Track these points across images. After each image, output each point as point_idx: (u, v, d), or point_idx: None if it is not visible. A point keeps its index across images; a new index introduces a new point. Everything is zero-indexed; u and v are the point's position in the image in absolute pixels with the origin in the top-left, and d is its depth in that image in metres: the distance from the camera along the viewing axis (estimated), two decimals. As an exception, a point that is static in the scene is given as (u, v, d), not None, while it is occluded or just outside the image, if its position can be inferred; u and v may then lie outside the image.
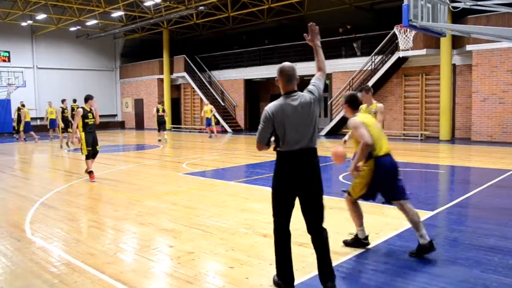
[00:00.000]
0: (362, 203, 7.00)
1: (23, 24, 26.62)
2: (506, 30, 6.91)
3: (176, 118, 30.05)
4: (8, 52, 27.04)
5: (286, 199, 3.61)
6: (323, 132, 21.24)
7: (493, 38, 9.24)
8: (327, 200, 7.54)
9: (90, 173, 9.65)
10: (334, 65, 21.60)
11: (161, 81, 29.72)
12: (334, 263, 4.34)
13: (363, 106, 6.23)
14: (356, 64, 20.58)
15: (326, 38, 22.08)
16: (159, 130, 19.60)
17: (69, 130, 16.69)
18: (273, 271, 4.18)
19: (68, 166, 13.26)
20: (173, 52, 28.84)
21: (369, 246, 4.85)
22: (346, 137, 6.19)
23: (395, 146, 16.22)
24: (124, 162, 13.32)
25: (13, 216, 6.71)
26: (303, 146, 3.48)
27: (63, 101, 18.10)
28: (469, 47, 16.85)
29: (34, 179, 10.46)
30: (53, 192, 8.41)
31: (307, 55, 22.76)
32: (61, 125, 17.62)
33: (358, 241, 4.83)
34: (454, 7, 7.06)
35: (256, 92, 27.24)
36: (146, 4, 23.67)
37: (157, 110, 19.46)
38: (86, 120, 9.50)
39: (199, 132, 26.53)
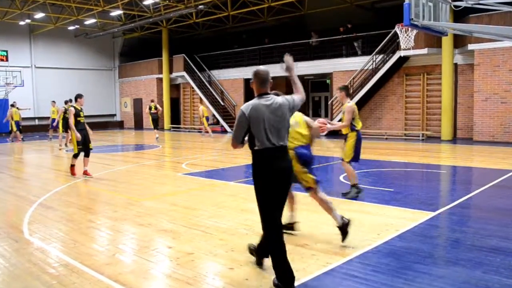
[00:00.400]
0: (362, 204, 7.02)
1: (21, 23, 26.60)
2: (508, 29, 6.91)
3: (176, 118, 30.05)
4: (6, 52, 27.05)
5: (273, 195, 3.84)
6: (324, 132, 21.20)
7: (495, 37, 9.24)
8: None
9: (72, 166, 10.17)
10: (335, 65, 21.59)
11: (160, 80, 29.71)
12: (335, 264, 4.37)
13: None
14: (357, 63, 20.58)
15: (327, 38, 22.12)
16: (154, 128, 20.50)
17: (69, 130, 16.46)
18: (273, 271, 4.19)
19: (66, 166, 13.26)
20: (172, 51, 28.83)
21: (371, 248, 4.84)
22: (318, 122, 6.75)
23: (396, 146, 16.22)
24: (123, 162, 13.32)
25: (11, 217, 6.71)
26: (276, 144, 3.76)
27: (66, 102, 18.14)
28: (471, 46, 16.85)
29: (32, 180, 10.45)
30: (51, 193, 8.41)
31: (307, 54, 22.78)
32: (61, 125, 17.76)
33: (285, 226, 5.19)
34: (455, 6, 7.06)
35: (256, 91, 27.23)
36: (145, 3, 23.66)
37: (150, 108, 20.47)
38: (78, 119, 9.80)
39: (199, 132, 26.54)
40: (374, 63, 19.56)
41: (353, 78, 20.38)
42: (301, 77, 25.10)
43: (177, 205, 7.18)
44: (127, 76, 32.47)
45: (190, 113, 29.55)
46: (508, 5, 6.90)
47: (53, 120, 19.50)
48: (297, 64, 22.81)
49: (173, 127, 29.07)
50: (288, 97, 4.02)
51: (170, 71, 28.93)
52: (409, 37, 12.40)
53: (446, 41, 17.27)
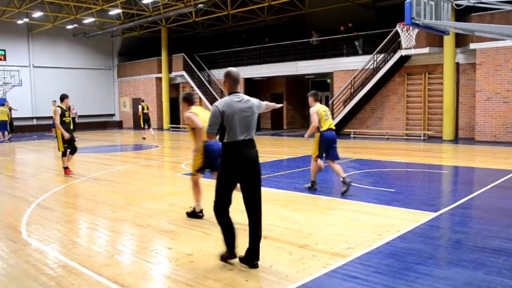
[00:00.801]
0: (363, 204, 7.02)
1: (19, 22, 26.60)
2: (510, 28, 6.91)
3: (175, 118, 30.05)
4: (4, 51, 27.06)
5: (231, 184, 4.36)
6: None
7: (497, 36, 9.22)
8: (328, 201, 7.57)
9: (65, 168, 10.41)
10: (335, 64, 21.59)
11: (159, 80, 29.72)
12: (336, 265, 4.37)
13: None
14: (357, 62, 20.57)
15: (327, 37, 22.11)
16: (143, 128, 21.18)
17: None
18: (274, 273, 4.19)
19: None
20: (172, 51, 28.84)
21: (372, 249, 4.84)
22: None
23: (397, 146, 16.22)
24: (121, 163, 13.32)
25: (9, 218, 6.70)
26: (245, 138, 4.30)
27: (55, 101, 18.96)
28: (472, 46, 16.85)
29: (30, 180, 10.45)
30: (49, 193, 8.41)
31: (307, 53, 22.78)
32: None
33: (195, 214, 6.32)
34: (457, 5, 7.06)
35: (256, 91, 27.20)
36: (144, 1, 23.66)
37: (142, 108, 21.23)
38: (63, 118, 10.07)
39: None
40: (375, 63, 19.56)
41: (354, 78, 20.38)
42: (302, 77, 25.13)
43: (177, 205, 7.18)
44: (126, 75, 32.47)
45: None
46: (510, 4, 6.90)
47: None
48: (297, 64, 22.85)
49: (172, 127, 29.07)
50: (256, 100, 4.54)
51: (169, 70, 28.93)
52: (411, 36, 12.37)
53: (448, 40, 17.27)
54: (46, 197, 8.07)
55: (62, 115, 10.03)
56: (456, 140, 17.71)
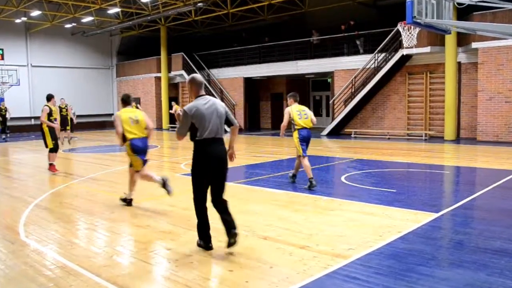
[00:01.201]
0: (364, 205, 7.02)
1: (17, 21, 26.60)
2: (512, 27, 6.91)
3: (174, 118, 30.02)
4: (2, 50, 27.02)
5: (204, 179, 4.84)
6: (325, 132, 21.24)
7: (499, 36, 9.22)
8: (329, 201, 7.57)
9: (51, 165, 10.82)
10: (336, 63, 21.59)
11: (158, 79, 29.72)
12: (337, 266, 4.37)
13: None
14: (358, 62, 20.58)
15: (328, 36, 22.12)
16: None
17: (67, 128, 18.98)
18: (274, 274, 4.20)
19: (63, 167, 13.26)
20: (171, 50, 28.84)
21: (373, 250, 4.84)
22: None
23: (399, 146, 16.22)
24: (120, 163, 13.32)
25: (6, 218, 6.70)
26: (214, 136, 4.75)
27: (61, 100, 19.16)
28: (474, 45, 16.85)
29: (28, 180, 10.45)
30: (47, 194, 8.41)
31: (308, 53, 22.79)
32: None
33: (125, 200, 7.26)
34: (459, 4, 7.06)
35: (256, 90, 27.25)
36: (143, 0, 23.67)
37: None
38: (50, 118, 10.69)
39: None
40: (376, 62, 19.57)
41: (355, 77, 20.39)
42: (302, 76, 25.14)
43: (176, 206, 7.18)
44: (124, 75, 32.47)
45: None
46: (513, 2, 6.90)
47: (55, 120, 19.73)
48: (298, 63, 22.86)
49: (171, 127, 29.07)
50: (223, 106, 4.97)
51: (169, 69, 28.94)
52: (412, 35, 12.37)
53: (450, 39, 17.27)
54: (44, 197, 8.07)
55: (50, 114, 10.67)
56: (457, 140, 17.71)
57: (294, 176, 9.05)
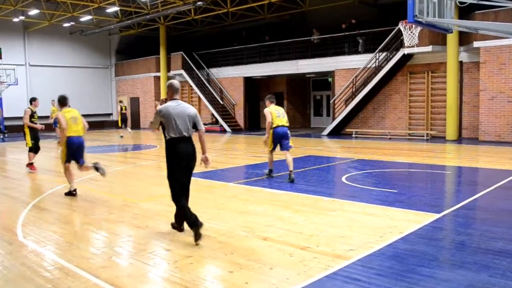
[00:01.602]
0: (365, 205, 7.03)
1: (15, 20, 26.61)
2: (514, 26, 6.91)
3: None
4: (0, 49, 27.01)
5: (181, 172, 5.41)
6: (325, 132, 21.25)
7: (501, 35, 9.23)
8: (330, 202, 7.56)
9: (30, 164, 11.35)
10: (337, 62, 21.59)
11: (157, 79, 29.72)
12: (337, 267, 4.38)
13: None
14: (359, 61, 20.58)
15: (329, 35, 22.11)
16: (120, 127, 22.89)
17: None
18: (274, 275, 4.20)
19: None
20: (170, 49, 28.84)
21: (374, 251, 4.85)
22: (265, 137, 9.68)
23: (400, 146, 16.23)
24: (119, 163, 13.32)
25: (4, 219, 6.70)
26: (182, 135, 5.33)
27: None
28: (476, 44, 16.85)
29: (26, 180, 10.45)
30: (46, 194, 8.41)
31: (308, 52, 22.78)
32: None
33: (70, 193, 8.07)
34: (461, 2, 7.06)
35: (256, 90, 27.23)
36: (142, -1, 23.68)
37: (121, 108, 22.81)
38: (32, 119, 11.32)
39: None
40: (377, 61, 19.57)
41: (356, 76, 20.39)
42: (302, 75, 25.14)
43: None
44: (123, 74, 32.48)
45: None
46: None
47: (55, 119, 20.01)
48: (298, 62, 22.86)
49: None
50: (194, 111, 5.57)
51: (168, 69, 28.94)
52: (413, 34, 12.36)
53: (451, 39, 17.27)
54: (42, 198, 8.07)
55: (32, 116, 11.32)
56: (459, 140, 17.71)
57: (270, 171, 9.82)
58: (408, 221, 5.99)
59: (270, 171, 9.81)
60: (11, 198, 8.26)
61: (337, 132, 21.31)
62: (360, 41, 21.09)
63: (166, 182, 10.09)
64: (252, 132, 23.62)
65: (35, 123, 11.40)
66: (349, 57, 21.27)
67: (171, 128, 5.32)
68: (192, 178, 10.10)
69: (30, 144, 11.36)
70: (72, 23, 27.84)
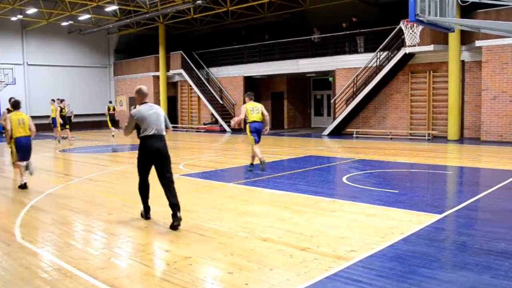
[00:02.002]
0: (366, 206, 7.03)
1: (13, 18, 26.60)
2: (517, 25, 6.91)
3: (173, 117, 30.06)
4: (-3, 48, 27.03)
5: (147, 165, 6.27)
6: (326, 132, 21.24)
7: (503, 34, 9.23)
8: (330, 202, 7.57)
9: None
10: (338, 62, 21.59)
11: (156, 78, 29.72)
12: (338, 268, 4.37)
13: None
14: (360, 60, 20.57)
15: (329, 34, 22.12)
16: (110, 127, 23.12)
17: (67, 127, 20.06)
18: (274, 276, 4.22)
19: (60, 167, 13.27)
20: (170, 48, 28.83)
21: (375, 252, 4.84)
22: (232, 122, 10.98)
23: (401, 146, 16.23)
24: (118, 163, 13.33)
25: (2, 220, 6.70)
26: (155, 133, 6.07)
27: (61, 100, 20.56)
28: (478, 43, 16.85)
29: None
30: (44, 195, 8.41)
31: (308, 51, 22.78)
32: (60, 121, 19.79)
33: (22, 186, 8.92)
34: (462, 1, 7.06)
35: (256, 89, 27.21)
36: (141, -2, 23.66)
37: (108, 109, 23.44)
38: None
39: (197, 131, 26.55)
40: (378, 60, 19.56)
41: (357, 76, 20.39)
42: (303, 75, 25.14)
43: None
44: (122, 73, 32.47)
45: (188, 112, 29.57)
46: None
47: (53, 119, 20.38)
48: (298, 61, 22.86)
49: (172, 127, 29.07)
50: (163, 112, 6.36)
51: (167, 68, 28.93)
52: (415, 33, 12.36)
53: (453, 38, 17.27)
54: (40, 198, 8.07)
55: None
56: (461, 140, 17.71)
57: (251, 165, 10.67)
58: (409, 222, 5.99)
59: (252, 165, 10.70)
60: (9, 199, 8.26)
61: (338, 132, 21.31)
62: (359, 41, 21.10)
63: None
64: (252, 132, 23.61)
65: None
66: (350, 56, 21.26)
67: (147, 128, 6.06)
68: (192, 178, 10.12)
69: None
70: (70, 22, 27.83)
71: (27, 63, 29.14)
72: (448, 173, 10.55)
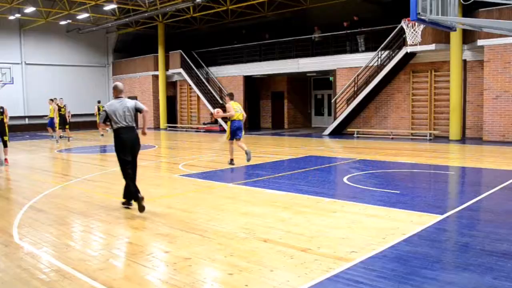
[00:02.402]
0: (367, 206, 7.03)
1: (11, 17, 26.60)
2: (519, 24, 6.91)
3: (172, 117, 30.07)
4: (-5, 47, 27.05)
5: (125, 154, 6.94)
6: (327, 132, 21.24)
7: (505, 33, 9.22)
8: (331, 203, 7.57)
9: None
10: (338, 61, 21.58)
11: (156, 77, 29.72)
12: (339, 269, 4.38)
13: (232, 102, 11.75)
14: (361, 60, 20.57)
15: (330, 33, 22.12)
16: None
17: (67, 127, 20.37)
18: (275, 277, 4.22)
19: (59, 167, 13.27)
20: (169, 47, 28.83)
21: (376, 253, 4.85)
22: (215, 111, 12.89)
23: (403, 146, 16.23)
24: (117, 164, 13.31)
25: (0, 220, 6.70)
26: (126, 125, 6.89)
27: (52, 99, 20.78)
28: (480, 42, 16.85)
29: (22, 181, 10.45)
30: (42, 195, 8.41)
31: (309, 50, 22.78)
32: (57, 121, 20.11)
33: None
34: (464, 0, 7.05)
35: (256, 89, 27.25)
36: (140, -4, 23.65)
37: (98, 109, 23.37)
38: None
39: (196, 131, 26.54)
40: (379, 60, 19.57)
41: (358, 75, 20.39)
42: (303, 74, 25.14)
43: (174, 208, 7.18)
44: (121, 73, 32.46)
45: (187, 112, 29.57)
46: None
47: (51, 119, 20.47)
48: (299, 61, 22.85)
49: (169, 127, 29.08)
50: (132, 102, 7.07)
51: (166, 68, 28.94)
52: (416, 32, 12.37)
53: (455, 37, 17.27)
54: (38, 199, 8.07)
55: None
56: (463, 140, 17.71)
57: (232, 160, 11.64)
58: (411, 223, 5.99)
59: (232, 160, 11.66)
60: (6, 199, 8.26)
61: (339, 132, 21.31)
62: (360, 40, 21.09)
63: (165, 183, 10.15)
64: (252, 132, 23.63)
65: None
66: (350, 55, 21.26)
67: (116, 121, 6.84)
68: (191, 179, 10.15)
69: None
70: (69, 21, 27.82)
71: (25, 62, 29.14)
72: (450, 173, 10.55)
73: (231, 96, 11.90)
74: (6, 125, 12.87)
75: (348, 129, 21.22)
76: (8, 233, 5.91)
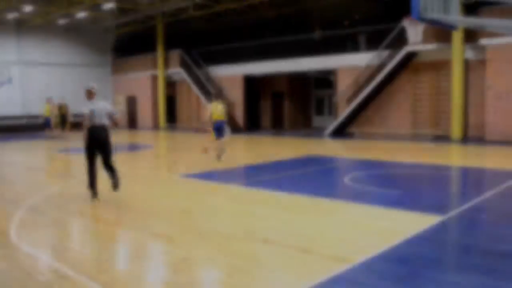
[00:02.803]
0: (368, 207, 7.03)
1: (9, 16, 26.58)
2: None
3: (171, 117, 30.05)
4: (-7, 46, 27.03)
5: (92, 151, 7.71)
6: (328, 132, 21.24)
7: (507, 32, 9.23)
8: (332, 203, 7.58)
9: None
10: (340, 60, 21.57)
11: (155, 77, 29.71)
12: (340, 270, 4.38)
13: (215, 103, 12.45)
14: (362, 59, 20.57)
15: (331, 32, 22.11)
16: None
17: (66, 125, 20.82)
18: (274, 278, 4.22)
19: (58, 168, 13.28)
20: (168, 46, 28.82)
21: (377, 254, 4.85)
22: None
23: (404, 146, 16.23)
24: (116, 164, 13.31)
25: (-2, 221, 6.70)
26: (98, 124, 7.59)
27: (48, 99, 21.17)
28: (482, 41, 16.85)
29: (20, 182, 10.46)
30: (41, 196, 8.41)
31: (310, 49, 22.78)
32: (55, 120, 20.54)
33: None
34: (466, -2, 7.06)
35: (256, 89, 27.23)
36: (139, -5, 23.64)
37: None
38: None
39: (196, 131, 26.53)
40: (380, 59, 19.56)
41: (359, 75, 20.38)
42: (304, 74, 25.14)
43: (173, 208, 7.19)
44: (120, 72, 32.45)
45: (187, 112, 29.56)
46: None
47: (48, 118, 20.53)
48: (300, 60, 22.86)
49: (168, 126, 29.06)
50: (108, 104, 7.95)
51: (166, 67, 28.93)
52: (418, 31, 12.40)
53: (457, 36, 17.27)
54: (37, 199, 8.07)
55: None
56: (465, 139, 17.71)
57: (219, 156, 12.36)
58: (412, 223, 5.99)
59: (219, 156, 12.50)
60: (4, 200, 8.25)
61: (340, 132, 21.31)
62: (361, 39, 21.08)
63: (164, 183, 10.16)
64: (252, 132, 23.63)
65: None
66: (352, 54, 21.26)
67: (89, 120, 7.54)
68: (190, 179, 10.18)
69: None
70: (67, 20, 27.80)
71: (23, 61, 29.13)
72: (452, 173, 10.55)
73: (216, 97, 12.95)
74: None
75: (349, 129, 21.22)
76: (6, 234, 5.91)
